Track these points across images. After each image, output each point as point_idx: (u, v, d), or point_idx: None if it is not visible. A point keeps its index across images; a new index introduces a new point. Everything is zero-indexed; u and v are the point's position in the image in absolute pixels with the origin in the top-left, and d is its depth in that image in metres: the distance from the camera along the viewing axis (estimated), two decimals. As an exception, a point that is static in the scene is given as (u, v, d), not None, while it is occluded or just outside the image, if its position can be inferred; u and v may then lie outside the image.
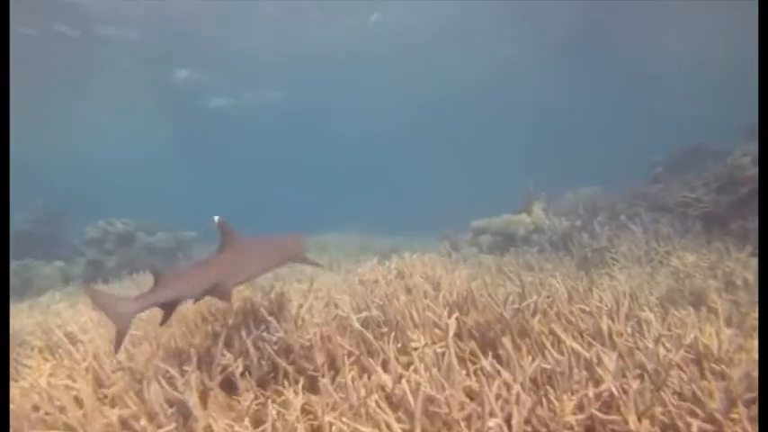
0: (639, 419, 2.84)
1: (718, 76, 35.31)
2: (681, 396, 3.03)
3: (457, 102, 42.72)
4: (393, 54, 31.84)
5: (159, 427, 3.27)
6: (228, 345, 3.98)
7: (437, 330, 3.89)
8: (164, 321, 3.86)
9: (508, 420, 2.75)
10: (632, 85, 38.82)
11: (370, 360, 3.50)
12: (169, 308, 3.80)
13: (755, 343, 3.62)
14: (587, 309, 4.24)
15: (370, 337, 3.75)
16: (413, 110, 45.29)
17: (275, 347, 3.85)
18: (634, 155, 23.62)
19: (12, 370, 4.52)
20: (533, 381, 3.15)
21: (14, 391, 3.70)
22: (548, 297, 4.41)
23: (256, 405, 3.40)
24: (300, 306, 4.47)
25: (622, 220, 9.48)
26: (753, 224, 9.29)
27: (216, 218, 4.08)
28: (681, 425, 2.77)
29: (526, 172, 12.75)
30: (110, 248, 14.98)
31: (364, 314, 4.19)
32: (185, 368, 3.60)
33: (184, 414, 3.38)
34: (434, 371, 3.11)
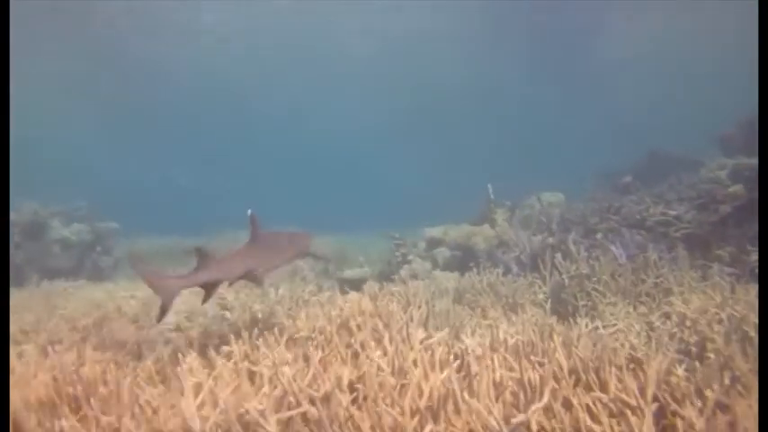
0: None
1: (677, 83, 35.22)
2: None
3: (415, 98, 41.60)
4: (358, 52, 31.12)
5: None
6: None
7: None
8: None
9: None
10: (589, 89, 38.35)
11: None
12: (210, 288, 4.37)
13: None
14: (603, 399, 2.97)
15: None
16: (367, 103, 43.85)
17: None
18: (593, 158, 22.77)
19: None
20: None
21: None
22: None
23: None
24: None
25: (599, 239, 8.26)
26: (734, 247, 8.30)
27: (249, 211, 4.62)
28: None
29: (486, 174, 11.48)
30: (17, 241, 12.96)
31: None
32: None
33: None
34: None
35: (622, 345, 4.90)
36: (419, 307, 4.72)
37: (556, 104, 43.65)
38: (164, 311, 4.09)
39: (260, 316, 5.51)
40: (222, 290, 5.31)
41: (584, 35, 29.44)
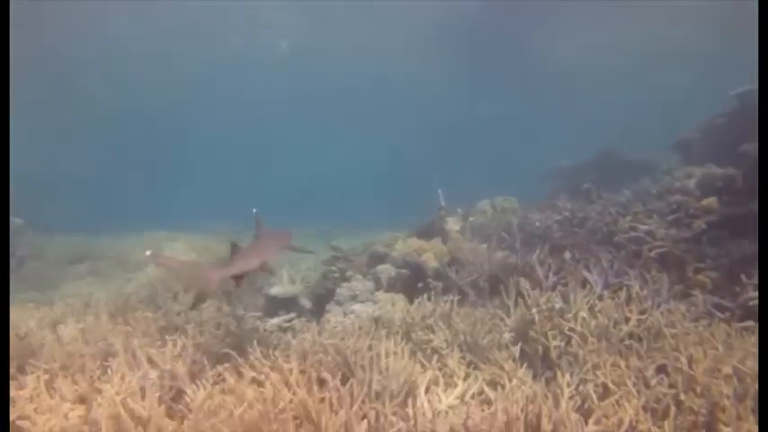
0: None
1: (618, 80, 34.96)
2: None
3: (359, 99, 40.39)
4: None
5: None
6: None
7: None
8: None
9: None
10: (535, 87, 37.77)
11: None
12: (239, 278, 4.83)
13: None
14: None
15: None
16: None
17: None
18: (537, 156, 21.98)
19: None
20: None
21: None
22: None
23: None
24: None
25: (567, 259, 7.14)
26: (716, 273, 7.35)
27: (254, 210, 5.49)
28: None
29: (433, 178, 10.30)
30: None
31: None
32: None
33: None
34: None
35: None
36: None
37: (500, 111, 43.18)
38: (202, 300, 4.39)
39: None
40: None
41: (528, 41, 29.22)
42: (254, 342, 4.57)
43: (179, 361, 4.31)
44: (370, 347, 4.54)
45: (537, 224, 9.17)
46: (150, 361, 4.28)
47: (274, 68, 34.69)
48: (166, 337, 4.89)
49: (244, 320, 6.20)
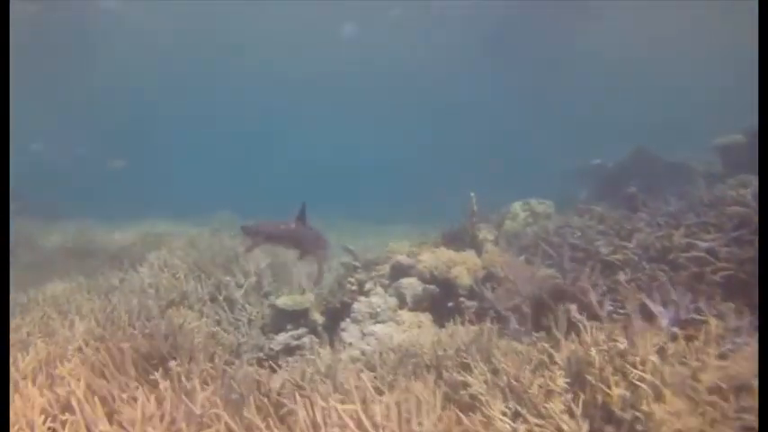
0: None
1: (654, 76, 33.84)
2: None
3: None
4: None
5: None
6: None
7: None
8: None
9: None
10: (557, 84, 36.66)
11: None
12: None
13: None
14: None
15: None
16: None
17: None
18: (558, 154, 20.85)
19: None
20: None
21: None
22: None
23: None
24: None
25: (624, 282, 6.16)
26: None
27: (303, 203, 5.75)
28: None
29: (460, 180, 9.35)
30: None
31: None
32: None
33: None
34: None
35: None
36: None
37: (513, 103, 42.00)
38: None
39: None
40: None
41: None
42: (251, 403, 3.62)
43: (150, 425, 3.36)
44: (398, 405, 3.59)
45: (578, 234, 8.20)
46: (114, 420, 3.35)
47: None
48: (143, 379, 3.96)
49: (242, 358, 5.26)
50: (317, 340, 6.43)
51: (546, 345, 5.34)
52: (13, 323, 5.61)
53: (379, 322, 6.14)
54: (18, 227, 12.87)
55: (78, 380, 3.64)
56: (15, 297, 7.41)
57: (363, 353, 5.38)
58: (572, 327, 5.48)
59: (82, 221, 15.29)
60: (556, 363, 5.18)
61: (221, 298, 7.45)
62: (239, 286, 7.64)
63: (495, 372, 4.83)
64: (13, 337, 5.01)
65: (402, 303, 6.50)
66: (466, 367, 5.01)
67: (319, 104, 45.42)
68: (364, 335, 6.02)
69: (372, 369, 5.12)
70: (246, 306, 7.42)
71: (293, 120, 52.96)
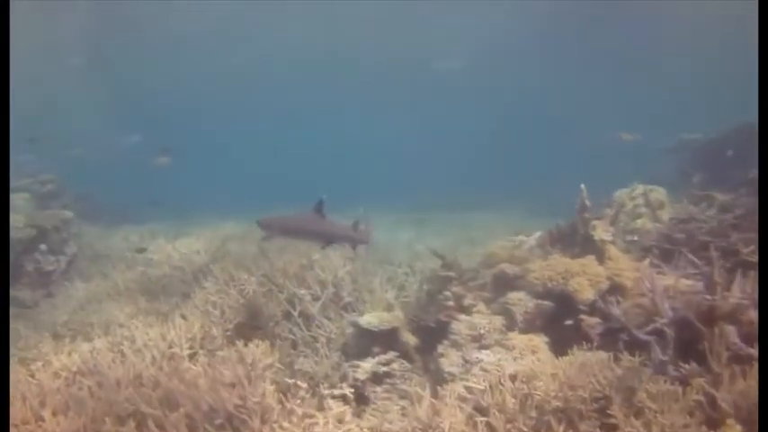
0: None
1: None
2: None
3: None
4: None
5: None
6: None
7: None
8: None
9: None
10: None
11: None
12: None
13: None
14: None
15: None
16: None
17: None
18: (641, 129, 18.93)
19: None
20: None
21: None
22: None
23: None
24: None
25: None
26: None
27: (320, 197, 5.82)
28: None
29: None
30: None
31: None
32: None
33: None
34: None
35: None
36: None
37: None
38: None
39: None
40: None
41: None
42: None
43: None
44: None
45: (704, 229, 6.94)
46: None
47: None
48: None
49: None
50: (408, 366, 5.50)
51: (703, 382, 4.23)
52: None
53: (483, 347, 5.15)
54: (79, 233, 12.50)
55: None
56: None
57: (471, 390, 4.39)
58: (734, 357, 4.36)
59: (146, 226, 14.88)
60: (719, 406, 4.08)
61: (296, 314, 6.64)
62: (315, 299, 6.80)
63: (646, 424, 3.78)
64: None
65: (511, 323, 5.48)
66: (602, 412, 4.00)
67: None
68: (467, 362, 5.05)
69: (484, 413, 4.17)
70: (324, 321, 6.58)
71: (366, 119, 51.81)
